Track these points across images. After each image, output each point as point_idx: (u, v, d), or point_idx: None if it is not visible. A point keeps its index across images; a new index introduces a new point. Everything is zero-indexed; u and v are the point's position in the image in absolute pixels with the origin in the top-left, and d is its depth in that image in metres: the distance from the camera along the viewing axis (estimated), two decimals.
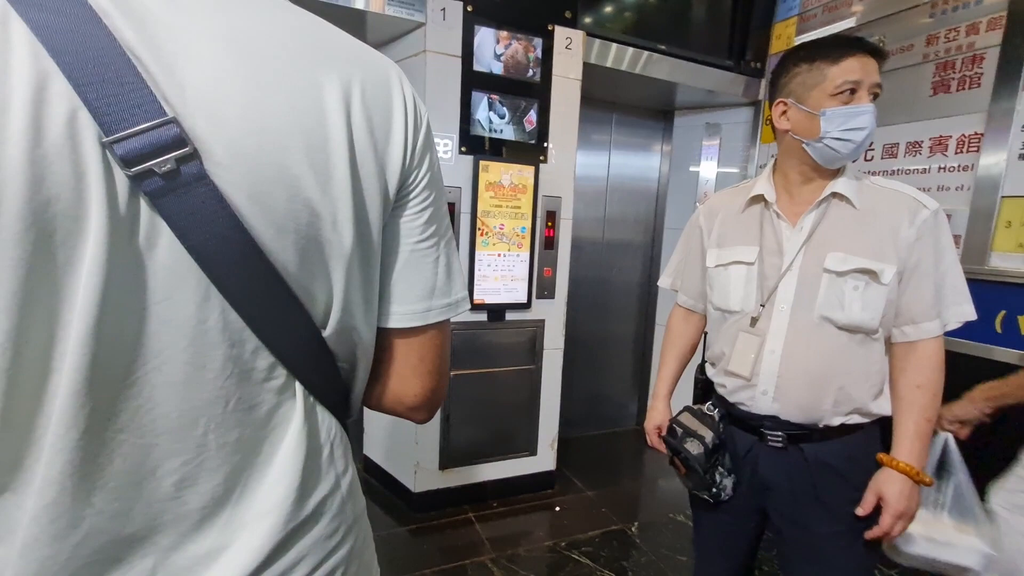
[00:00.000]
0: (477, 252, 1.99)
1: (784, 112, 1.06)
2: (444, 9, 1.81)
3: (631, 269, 3.10)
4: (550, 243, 2.15)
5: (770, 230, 1.09)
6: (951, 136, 1.78)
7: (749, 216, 1.15)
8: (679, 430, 1.18)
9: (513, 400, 2.22)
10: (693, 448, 1.14)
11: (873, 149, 2.01)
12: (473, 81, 1.90)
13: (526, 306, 2.14)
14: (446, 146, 1.90)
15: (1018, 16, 1.60)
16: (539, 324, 2.20)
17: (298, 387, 0.43)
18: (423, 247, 0.49)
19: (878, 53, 0.99)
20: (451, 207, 1.94)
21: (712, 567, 1.25)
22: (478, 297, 2.03)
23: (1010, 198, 1.63)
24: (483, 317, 2.08)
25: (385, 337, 0.51)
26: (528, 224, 2.07)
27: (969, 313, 1.01)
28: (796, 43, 2.31)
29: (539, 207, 2.09)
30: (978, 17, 1.71)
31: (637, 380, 3.20)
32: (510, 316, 2.13)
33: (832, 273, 0.99)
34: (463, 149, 1.93)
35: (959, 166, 1.76)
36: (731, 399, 1.13)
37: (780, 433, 1.05)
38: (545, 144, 2.07)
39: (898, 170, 1.94)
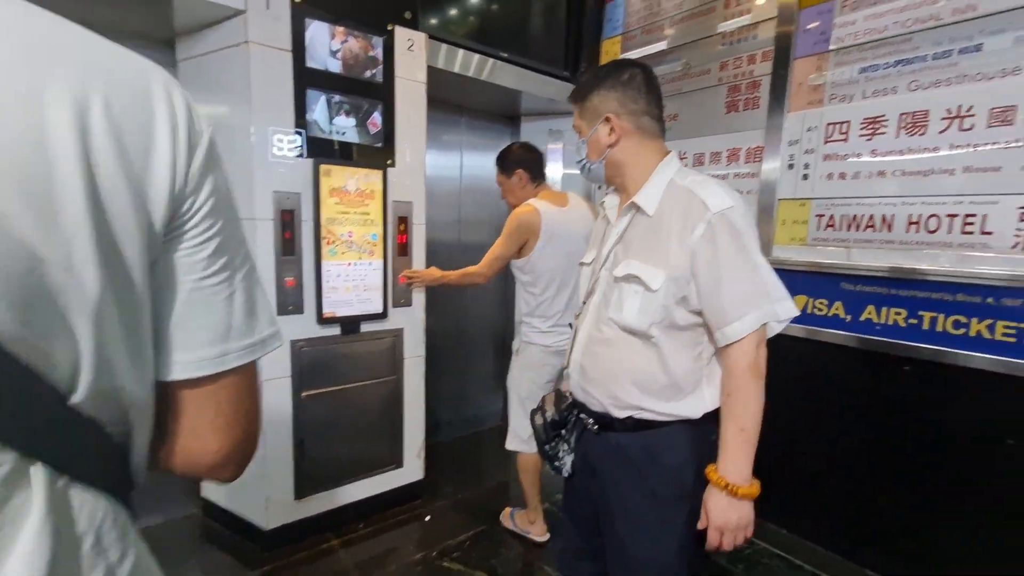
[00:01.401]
0: (324, 263, 1.86)
1: None
2: None
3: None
4: (404, 249, 2.09)
5: (607, 233, 1.19)
6: (741, 148, 2.12)
7: (602, 220, 1.24)
8: (539, 405, 1.28)
9: (375, 414, 2.13)
10: (537, 420, 1.25)
11: (685, 158, 2.30)
12: (307, 78, 1.77)
13: (382, 316, 2.05)
14: (282, 144, 1.74)
15: (781, 51, 1.95)
16: (398, 333, 2.13)
17: (37, 471, 0.35)
18: (210, 284, 0.43)
19: (572, 96, 1.19)
20: (290, 215, 1.78)
21: (567, 535, 1.34)
22: (328, 310, 1.90)
23: (784, 200, 1.99)
24: (336, 331, 1.95)
25: (170, 390, 0.43)
26: (379, 231, 1.99)
27: (769, 314, 0.96)
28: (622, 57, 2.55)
29: (390, 213, 2.02)
30: (755, 49, 2.05)
31: (500, 377, 3.27)
32: (366, 327, 2.03)
33: (617, 279, 1.08)
34: (299, 152, 1.78)
35: (748, 173, 2.10)
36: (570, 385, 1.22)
37: (592, 420, 1.14)
38: (392, 147, 2.01)
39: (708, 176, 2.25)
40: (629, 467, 1.08)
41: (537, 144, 2.94)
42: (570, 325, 1.39)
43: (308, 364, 1.90)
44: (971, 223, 1.55)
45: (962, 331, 1.59)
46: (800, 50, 1.90)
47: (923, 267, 1.64)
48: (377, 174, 1.96)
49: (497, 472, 2.66)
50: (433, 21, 2.23)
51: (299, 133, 1.77)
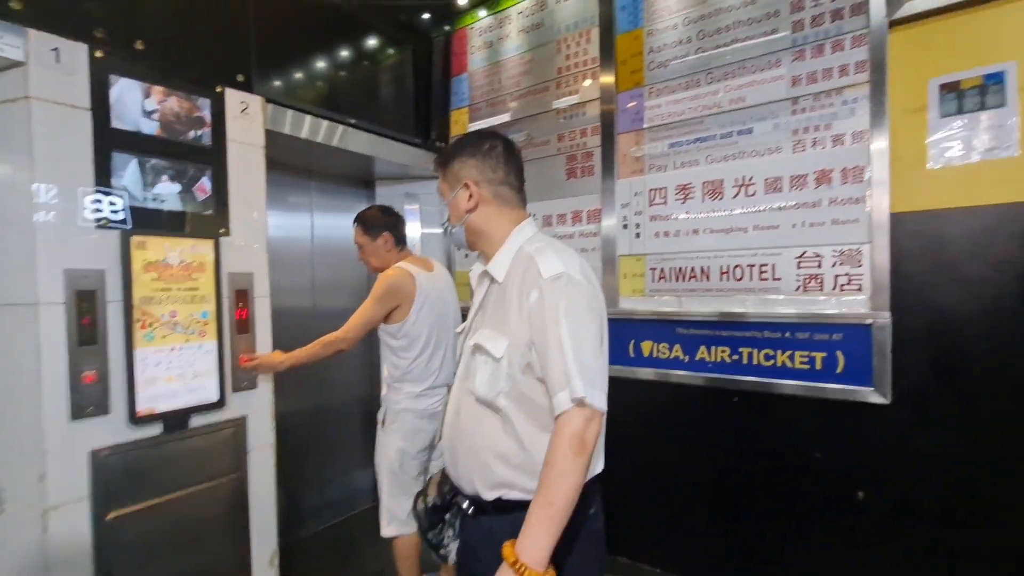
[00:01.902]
0: (138, 350, 1.57)
1: None
2: (57, 50, 1.42)
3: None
4: (244, 326, 1.87)
5: (473, 303, 1.18)
6: (583, 210, 2.32)
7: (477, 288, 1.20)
8: (423, 489, 1.19)
9: (212, 522, 1.79)
10: (418, 506, 1.16)
11: (536, 219, 2.45)
12: (113, 140, 1.54)
13: (218, 405, 1.78)
14: (77, 213, 1.46)
15: (607, 126, 2.21)
16: (239, 422, 1.86)
17: None
18: None
19: (435, 163, 1.21)
20: (90, 296, 1.49)
21: None
22: (144, 407, 1.59)
23: (623, 256, 2.19)
24: (155, 430, 1.63)
25: None
26: (211, 307, 1.75)
27: (581, 390, 0.89)
28: (470, 129, 2.68)
29: (225, 286, 1.80)
30: (586, 124, 2.30)
31: (369, 451, 3.03)
32: (197, 421, 1.74)
33: (470, 348, 1.08)
34: (102, 222, 1.52)
35: (591, 232, 2.30)
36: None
37: (467, 502, 1.07)
38: (226, 215, 1.82)
39: (554, 236, 2.40)
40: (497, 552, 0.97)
41: (394, 206, 2.95)
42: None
43: (116, 477, 1.54)
44: (765, 272, 1.86)
45: (771, 363, 1.85)
46: (621, 127, 2.17)
47: (736, 310, 1.91)
48: (207, 244, 1.74)
49: (372, 562, 2.40)
50: (278, 85, 2.14)
51: (99, 201, 1.51)
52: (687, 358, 2.04)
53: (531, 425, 1.00)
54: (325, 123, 2.22)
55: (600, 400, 0.93)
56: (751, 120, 1.87)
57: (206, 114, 1.76)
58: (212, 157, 1.78)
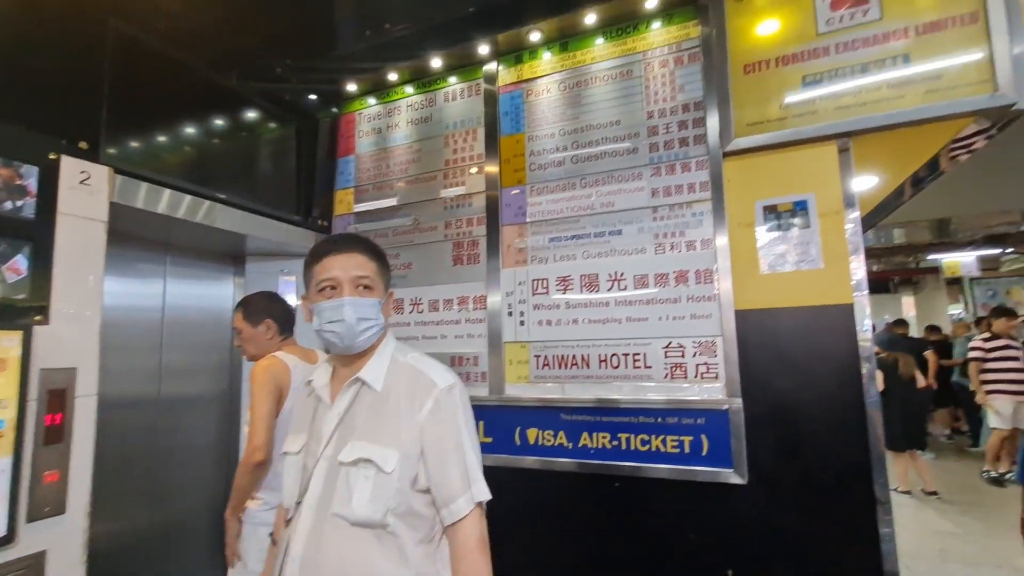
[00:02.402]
0: None
1: (304, 305, 1.13)
2: None
3: (202, 429, 2.58)
4: (56, 435, 1.52)
5: (319, 416, 1.07)
6: (469, 296, 2.34)
7: (309, 400, 1.11)
8: None
9: None
10: None
11: (421, 304, 2.41)
12: None
13: (5, 541, 1.39)
14: None
15: (492, 218, 2.30)
16: (34, 561, 1.46)
17: None
18: None
19: (366, 246, 1.12)
20: None
21: None
22: None
23: (508, 343, 2.22)
24: None
25: None
26: (10, 415, 1.41)
27: (485, 492, 1.00)
28: (356, 210, 2.63)
29: (34, 386, 1.47)
30: (472, 214, 2.38)
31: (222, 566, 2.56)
32: None
33: (345, 465, 0.98)
34: None
35: (477, 318, 2.31)
36: None
37: None
38: (46, 300, 1.52)
39: (440, 320, 2.38)
40: None
41: (266, 277, 2.73)
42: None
43: None
44: (638, 360, 1.99)
45: (647, 447, 1.94)
46: (505, 219, 2.28)
47: (614, 396, 2.00)
48: (14, 336, 1.43)
49: None
50: (134, 155, 1.92)
51: None
52: (571, 445, 2.06)
53: (418, 542, 0.97)
54: (188, 198, 2.02)
55: (487, 492, 1.02)
56: (620, 223, 2.07)
57: (31, 183, 1.51)
58: (34, 232, 1.51)
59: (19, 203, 1.48)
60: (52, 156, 1.55)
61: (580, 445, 2.05)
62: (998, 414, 5.22)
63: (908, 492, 4.91)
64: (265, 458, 1.74)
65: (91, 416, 1.61)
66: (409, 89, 2.60)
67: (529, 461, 2.11)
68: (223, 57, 2.22)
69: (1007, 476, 5.09)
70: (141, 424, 2.30)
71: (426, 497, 1.00)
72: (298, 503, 0.99)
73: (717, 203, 1.91)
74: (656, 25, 2.10)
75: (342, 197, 2.69)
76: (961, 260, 9.28)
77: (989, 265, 9.83)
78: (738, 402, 1.81)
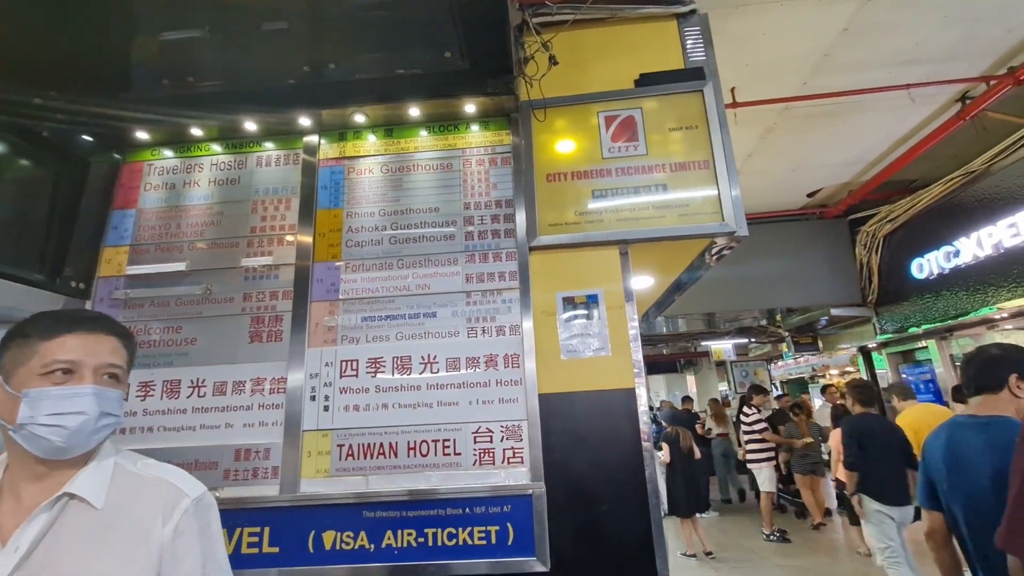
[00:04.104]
0: None
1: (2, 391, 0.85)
2: None
3: None
4: None
5: None
6: (266, 378, 2.07)
7: None
8: None
9: None
10: None
11: (205, 386, 2.06)
12: None
13: None
14: None
15: (300, 293, 2.13)
16: None
17: None
18: None
19: (120, 330, 0.95)
20: None
21: None
22: None
23: (308, 431, 1.99)
24: None
25: None
26: None
27: None
28: (129, 272, 2.21)
29: None
30: (278, 287, 2.17)
31: None
32: None
33: None
34: None
35: (272, 404, 2.04)
36: None
37: None
38: None
39: (227, 406, 2.04)
40: None
41: None
42: None
43: None
44: (448, 446, 1.94)
45: (454, 542, 1.84)
46: (316, 295, 2.13)
47: (423, 487, 1.89)
48: None
49: None
50: None
51: None
52: (372, 547, 1.86)
53: None
54: None
55: None
56: (435, 305, 2.08)
57: None
58: None
59: None
60: None
61: (384, 545, 1.86)
62: (766, 479, 6.26)
63: (693, 555, 5.50)
64: None
65: None
66: (216, 147, 2.38)
67: (325, 571, 1.84)
68: None
69: (772, 535, 6.02)
70: None
71: None
72: None
73: (524, 292, 2.05)
74: (475, 128, 2.30)
75: (111, 255, 2.25)
76: (723, 346, 11.48)
77: (742, 351, 12.32)
78: (541, 487, 1.85)
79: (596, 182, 2.13)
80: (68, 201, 2.18)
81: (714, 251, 2.25)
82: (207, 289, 2.17)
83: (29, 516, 0.79)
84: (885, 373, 7.12)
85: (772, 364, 12.84)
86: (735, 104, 3.78)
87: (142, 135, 2.29)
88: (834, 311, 6.83)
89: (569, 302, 2.04)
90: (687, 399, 9.33)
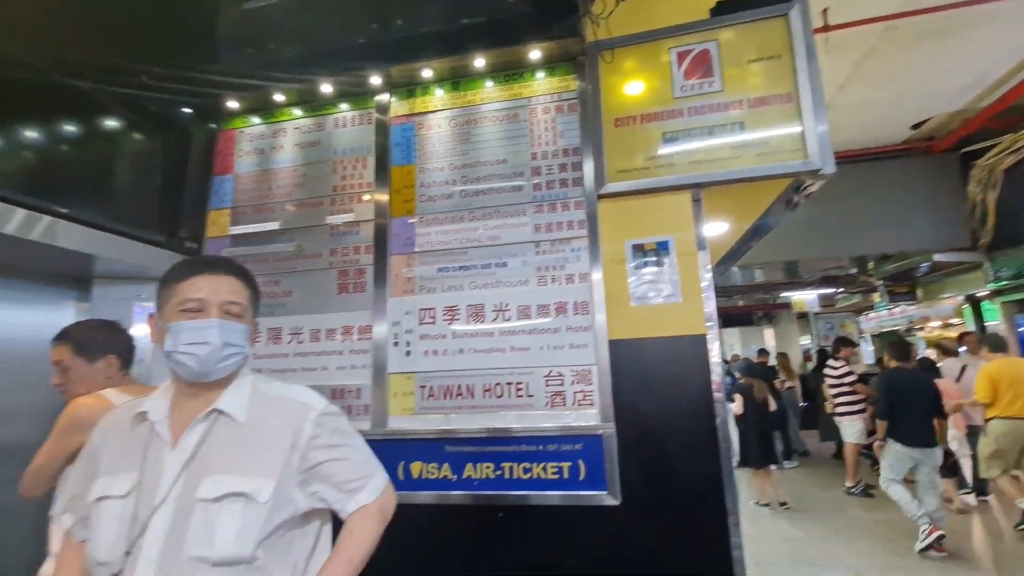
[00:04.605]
0: None
1: (155, 324, 1.05)
2: None
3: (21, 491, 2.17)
4: None
5: (153, 454, 0.97)
6: (354, 326, 2.26)
7: (136, 437, 0.99)
8: None
9: None
10: None
11: (302, 333, 2.29)
12: None
13: None
14: None
15: (380, 247, 2.27)
16: None
17: None
18: None
19: (240, 272, 1.09)
20: None
21: None
22: None
23: (393, 374, 2.17)
24: None
25: None
26: None
27: (380, 485, 1.14)
28: (232, 232, 2.46)
29: None
30: (359, 242, 2.33)
31: None
32: None
33: (205, 502, 0.92)
34: None
35: (361, 349, 2.23)
36: None
37: None
38: None
39: (322, 351, 2.27)
40: None
41: (119, 312, 2.43)
42: None
43: None
44: (521, 389, 2.05)
45: (529, 475, 1.98)
46: (394, 248, 2.27)
47: (497, 425, 2.03)
48: None
49: None
50: None
51: None
52: (455, 477, 2.04)
53: (286, 567, 0.97)
54: (21, 212, 1.76)
55: (384, 477, 1.18)
56: (506, 255, 2.15)
57: None
58: None
59: None
60: None
61: (464, 476, 2.04)
62: (855, 432, 6.03)
63: (766, 504, 5.46)
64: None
65: None
66: (297, 111, 2.52)
67: (413, 496, 2.05)
68: (76, 58, 2.00)
69: (854, 488, 5.84)
70: None
71: (301, 520, 1.03)
72: (127, 553, 0.87)
73: (593, 240, 2.06)
74: (540, 75, 2.27)
75: (216, 218, 2.50)
76: (806, 298, 10.82)
77: (827, 302, 11.56)
78: (611, 427, 1.92)
79: (667, 124, 2.05)
80: (177, 169, 2.43)
81: (796, 191, 2.12)
82: (299, 246, 2.37)
83: (189, 425, 0.97)
84: (997, 325, 6.44)
85: (862, 316, 11.97)
86: (826, 28, 3.41)
87: (233, 104, 2.48)
88: (937, 257, 6.21)
89: (639, 250, 2.03)
90: (763, 352, 8.98)
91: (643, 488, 1.89)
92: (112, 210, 2.16)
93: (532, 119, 2.24)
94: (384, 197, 2.32)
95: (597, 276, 2.03)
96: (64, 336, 1.74)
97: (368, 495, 1.08)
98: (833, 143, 1.88)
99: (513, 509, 1.98)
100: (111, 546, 0.88)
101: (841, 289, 10.16)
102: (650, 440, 1.92)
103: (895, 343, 4.68)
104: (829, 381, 6.36)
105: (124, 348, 1.82)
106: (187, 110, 2.44)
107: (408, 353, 2.17)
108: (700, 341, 1.93)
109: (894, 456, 4.26)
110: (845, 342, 6.62)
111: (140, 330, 2.27)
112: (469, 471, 2.04)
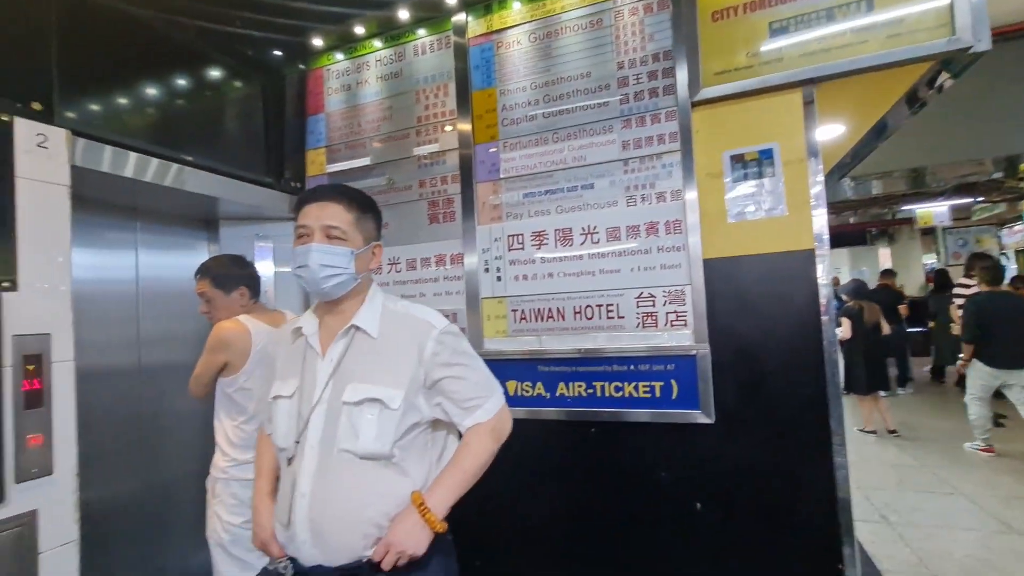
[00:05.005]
0: None
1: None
2: None
3: (184, 395, 2.61)
4: (37, 399, 1.54)
5: (309, 362, 1.12)
6: (446, 254, 2.36)
7: (296, 348, 1.16)
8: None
9: None
10: None
11: (399, 263, 2.43)
12: None
13: None
14: None
15: (466, 175, 2.30)
16: (27, 520, 1.50)
17: None
18: None
19: (344, 197, 1.15)
20: None
21: None
22: None
23: (486, 299, 2.26)
24: None
25: None
26: None
27: (495, 407, 1.21)
28: (328, 170, 2.60)
29: (8, 352, 1.48)
30: (446, 172, 2.37)
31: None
32: None
33: (349, 405, 1.06)
34: None
35: (454, 276, 2.34)
36: (288, 551, 1.05)
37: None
38: (12, 266, 1.51)
39: (419, 279, 2.40)
40: None
41: (241, 243, 2.71)
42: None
43: None
44: (611, 311, 2.05)
45: (620, 394, 2.03)
46: (479, 176, 2.28)
47: (589, 346, 2.07)
48: None
49: None
50: (94, 117, 1.85)
51: None
52: (548, 395, 2.14)
53: (420, 464, 1.11)
54: (156, 161, 1.98)
55: (501, 398, 1.25)
56: (592, 176, 2.09)
57: None
58: None
59: None
60: (5, 118, 1.51)
61: (558, 394, 2.13)
62: None
63: (873, 431, 5.19)
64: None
65: (69, 381, 1.63)
66: (377, 43, 2.52)
67: (514, 412, 2.19)
68: (179, 11, 2.12)
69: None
70: (123, 395, 2.32)
71: (430, 427, 1.14)
72: (296, 442, 1.05)
73: (686, 154, 1.93)
74: None
75: (314, 157, 2.65)
76: (934, 210, 9.48)
77: (960, 215, 10.06)
78: (705, 348, 1.88)
79: (775, 11, 1.80)
80: (276, 112, 2.57)
81: (930, 83, 1.81)
82: (389, 180, 2.46)
83: (333, 339, 1.11)
84: None
85: (1005, 229, 10.34)
86: None
87: (317, 41, 2.53)
88: None
89: (738, 160, 1.87)
90: (887, 272, 7.97)
91: (740, 407, 1.87)
92: (226, 156, 2.36)
93: (617, 23, 2.07)
94: (467, 125, 2.30)
95: (691, 192, 1.91)
96: (204, 271, 2.02)
97: (484, 414, 1.16)
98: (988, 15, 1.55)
99: (606, 425, 2.06)
100: (284, 436, 1.08)
101: (980, 198, 8.76)
102: (748, 361, 1.86)
103: (988, 267, 4.68)
104: (959, 302, 5.68)
105: (252, 280, 2.09)
106: (278, 52, 2.53)
107: (499, 279, 2.23)
108: (808, 257, 1.79)
109: (979, 376, 4.39)
110: (981, 257, 5.80)
111: (262, 265, 2.54)
112: (562, 389, 2.12)
